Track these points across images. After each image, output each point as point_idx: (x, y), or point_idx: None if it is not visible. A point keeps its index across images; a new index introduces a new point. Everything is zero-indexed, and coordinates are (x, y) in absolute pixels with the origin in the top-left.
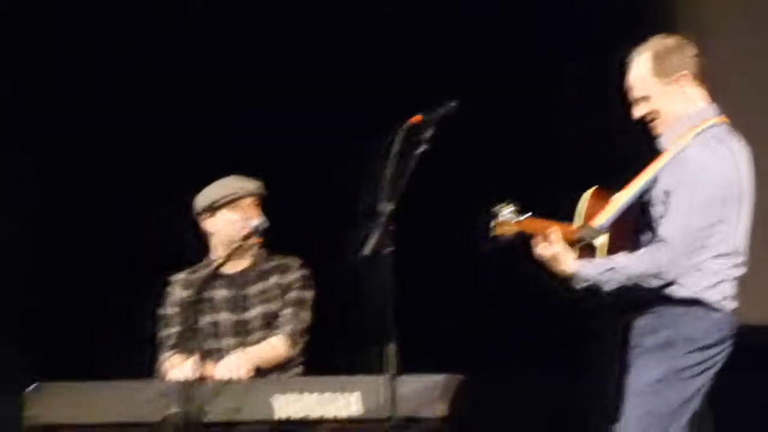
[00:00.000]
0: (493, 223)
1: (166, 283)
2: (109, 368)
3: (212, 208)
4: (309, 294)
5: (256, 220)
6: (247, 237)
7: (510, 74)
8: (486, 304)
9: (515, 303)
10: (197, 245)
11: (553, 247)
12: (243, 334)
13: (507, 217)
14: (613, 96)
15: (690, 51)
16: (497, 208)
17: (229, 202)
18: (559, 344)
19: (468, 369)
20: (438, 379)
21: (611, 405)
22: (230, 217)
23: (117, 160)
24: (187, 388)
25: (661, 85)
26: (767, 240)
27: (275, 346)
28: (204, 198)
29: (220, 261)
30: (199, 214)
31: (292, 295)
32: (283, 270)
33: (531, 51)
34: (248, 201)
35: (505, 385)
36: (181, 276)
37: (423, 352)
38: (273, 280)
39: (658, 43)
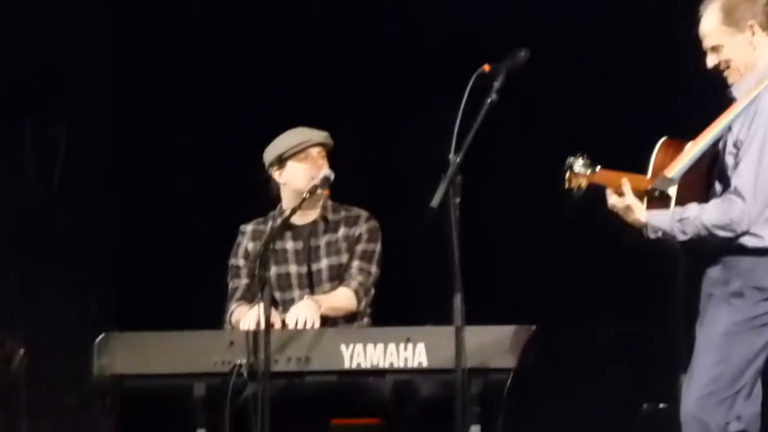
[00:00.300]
0: (567, 176)
1: (238, 233)
2: (185, 318)
3: (281, 160)
4: (376, 246)
5: (324, 171)
6: (314, 189)
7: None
8: (555, 254)
9: (585, 252)
10: (270, 195)
11: (625, 198)
12: (311, 285)
13: (580, 169)
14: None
15: (760, 1)
16: (570, 160)
17: (297, 152)
18: (631, 293)
19: (538, 320)
20: (507, 329)
21: (683, 354)
22: (298, 168)
23: (199, 110)
24: (254, 338)
25: (732, 33)
26: None
27: (344, 298)
28: (273, 150)
29: (288, 213)
30: (269, 166)
31: (360, 247)
32: (351, 222)
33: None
34: (315, 151)
35: (575, 335)
36: (250, 226)
37: (493, 303)
38: (341, 232)
39: None
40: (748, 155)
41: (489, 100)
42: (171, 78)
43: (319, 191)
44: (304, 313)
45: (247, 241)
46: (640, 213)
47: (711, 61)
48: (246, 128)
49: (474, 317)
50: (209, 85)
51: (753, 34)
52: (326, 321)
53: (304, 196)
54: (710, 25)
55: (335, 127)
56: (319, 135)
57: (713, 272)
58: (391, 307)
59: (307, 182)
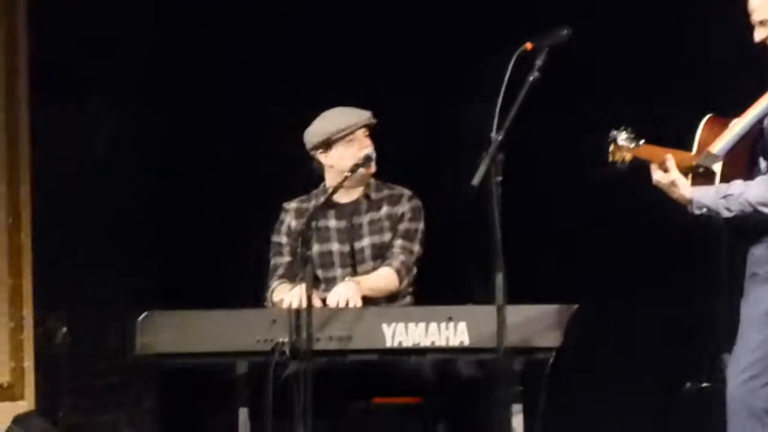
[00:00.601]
0: (610, 148)
1: (281, 210)
2: (228, 296)
3: (327, 144)
4: (419, 225)
5: (366, 150)
6: (355, 168)
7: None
8: (594, 234)
9: (624, 231)
10: (312, 174)
11: (670, 174)
12: (353, 264)
13: (624, 143)
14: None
15: None
16: (614, 133)
17: (344, 137)
18: (675, 272)
19: (579, 299)
20: (549, 309)
21: (726, 332)
22: (344, 151)
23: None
24: (296, 316)
25: None
26: None
27: (386, 277)
28: (318, 134)
29: (330, 192)
30: (313, 148)
31: (403, 226)
32: (394, 201)
33: None
34: (360, 133)
35: (617, 314)
36: (293, 204)
37: (536, 283)
38: (384, 210)
39: None
40: None
41: (531, 78)
42: (214, 53)
43: (361, 170)
44: (345, 293)
45: (290, 219)
46: (685, 189)
47: (759, 35)
48: (287, 106)
49: (516, 296)
50: (252, 63)
51: None
52: (368, 301)
53: (345, 174)
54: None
55: (380, 106)
56: (365, 116)
57: (757, 251)
58: (434, 286)
59: (352, 163)
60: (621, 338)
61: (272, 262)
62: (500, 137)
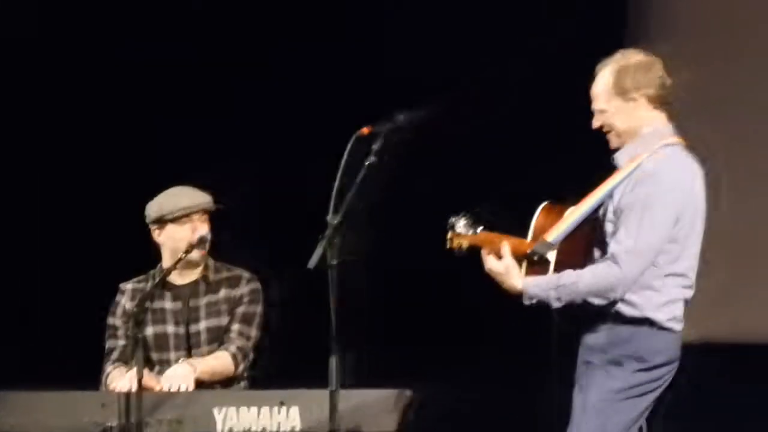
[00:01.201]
0: (449, 235)
1: (117, 291)
2: (64, 377)
3: (161, 221)
4: (258, 309)
5: (200, 232)
6: (189, 249)
7: None
8: (436, 318)
9: (466, 316)
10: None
11: (503, 261)
12: (188, 347)
13: (461, 230)
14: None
15: (655, 71)
16: (452, 220)
17: (179, 217)
18: (510, 359)
19: (418, 383)
20: (383, 393)
21: (561, 421)
22: (178, 231)
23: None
24: (127, 399)
25: (618, 101)
26: None
27: (221, 362)
28: (154, 210)
29: (165, 273)
30: (150, 223)
31: (241, 310)
32: (232, 283)
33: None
34: (197, 216)
35: (454, 399)
36: (129, 285)
37: (376, 367)
38: (222, 293)
39: (623, 58)
40: (627, 222)
41: (368, 163)
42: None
43: (194, 252)
44: (178, 376)
45: (125, 300)
46: (516, 279)
47: (596, 122)
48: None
49: (350, 380)
50: None
51: (639, 105)
52: (202, 385)
53: (180, 255)
54: (600, 88)
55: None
56: (205, 200)
57: (590, 339)
58: (271, 369)
59: (185, 244)
60: (455, 422)
61: (107, 344)
62: (337, 221)
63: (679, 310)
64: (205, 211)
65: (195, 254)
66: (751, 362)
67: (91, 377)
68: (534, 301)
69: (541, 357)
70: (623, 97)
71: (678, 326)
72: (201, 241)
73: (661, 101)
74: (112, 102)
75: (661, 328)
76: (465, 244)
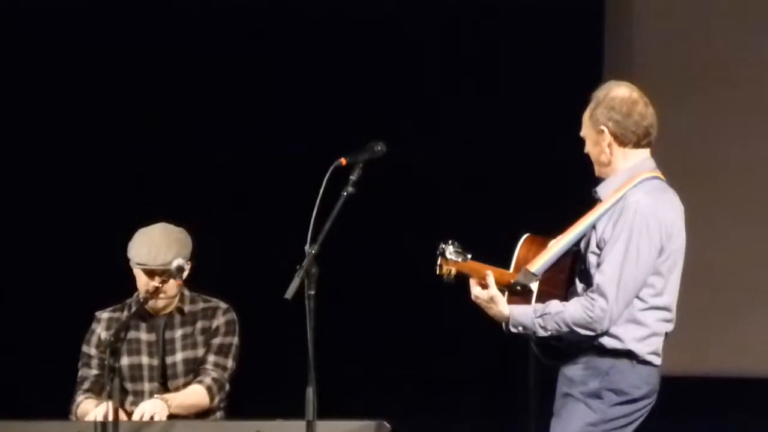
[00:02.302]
0: (439, 261)
1: (93, 319)
2: (40, 406)
3: (128, 259)
4: (233, 340)
5: (177, 261)
6: (143, 301)
7: None
8: (410, 350)
9: (444, 348)
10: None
11: (489, 290)
12: (164, 378)
13: (451, 256)
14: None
15: (638, 107)
16: (442, 247)
17: (133, 266)
18: (486, 389)
19: (394, 415)
20: (359, 425)
21: None
22: (138, 275)
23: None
24: (104, 429)
25: (592, 131)
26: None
27: (196, 395)
28: (128, 247)
29: (140, 303)
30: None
31: (217, 341)
32: (209, 315)
33: None
34: (140, 271)
35: (433, 431)
36: (106, 314)
37: (351, 398)
38: (199, 325)
39: (607, 90)
40: (611, 254)
41: (345, 193)
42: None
43: (153, 301)
44: (151, 410)
45: (100, 329)
46: (503, 306)
47: (586, 148)
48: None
49: (327, 411)
50: None
51: (604, 138)
52: (177, 418)
53: (141, 297)
54: (585, 114)
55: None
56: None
57: (570, 371)
58: (247, 400)
59: (143, 291)
60: None
61: (80, 373)
62: (314, 251)
63: (659, 343)
64: (144, 271)
65: (155, 303)
66: (713, 395)
67: (62, 406)
68: (519, 329)
69: (519, 388)
70: (595, 129)
71: (657, 360)
72: (178, 269)
73: (632, 139)
74: (88, 130)
75: (641, 361)
76: (453, 271)
